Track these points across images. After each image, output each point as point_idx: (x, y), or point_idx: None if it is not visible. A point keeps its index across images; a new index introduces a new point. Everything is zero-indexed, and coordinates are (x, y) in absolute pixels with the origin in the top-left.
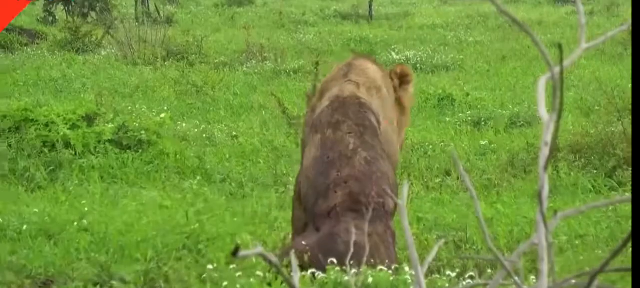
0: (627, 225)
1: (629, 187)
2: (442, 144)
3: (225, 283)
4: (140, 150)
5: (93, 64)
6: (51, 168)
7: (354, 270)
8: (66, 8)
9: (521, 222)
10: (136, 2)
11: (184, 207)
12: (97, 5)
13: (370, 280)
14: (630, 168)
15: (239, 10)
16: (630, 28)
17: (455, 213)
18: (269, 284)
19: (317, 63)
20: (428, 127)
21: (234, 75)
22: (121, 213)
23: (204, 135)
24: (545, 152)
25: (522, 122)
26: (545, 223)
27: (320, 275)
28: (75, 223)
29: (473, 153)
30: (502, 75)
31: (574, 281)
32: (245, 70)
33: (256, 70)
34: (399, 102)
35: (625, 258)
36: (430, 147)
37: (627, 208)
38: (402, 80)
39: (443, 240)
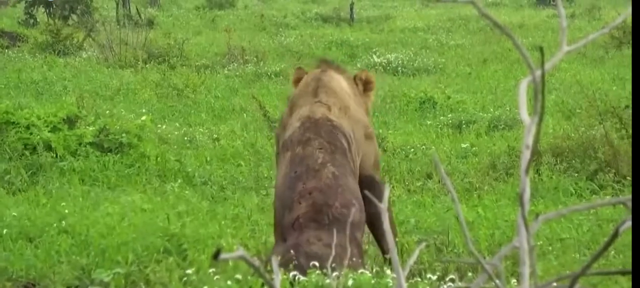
0: (608, 229)
1: (611, 190)
2: (424, 147)
3: (205, 287)
4: (121, 153)
5: (74, 66)
6: (32, 170)
7: (335, 273)
8: (47, 10)
9: (502, 225)
10: (117, 4)
11: (165, 209)
12: (78, 7)
13: (350, 282)
14: (612, 171)
15: (220, 13)
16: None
17: (436, 216)
18: (250, 287)
19: (298, 66)
20: (409, 130)
21: (215, 77)
22: (102, 216)
23: (185, 138)
24: (526, 155)
25: (503, 125)
26: (526, 227)
27: (300, 277)
28: (56, 226)
29: (454, 156)
30: (483, 78)
31: (555, 284)
32: (226, 73)
33: (237, 73)
34: (365, 107)
35: (607, 262)
36: (412, 150)
37: (608, 211)
38: (366, 86)
39: (424, 243)
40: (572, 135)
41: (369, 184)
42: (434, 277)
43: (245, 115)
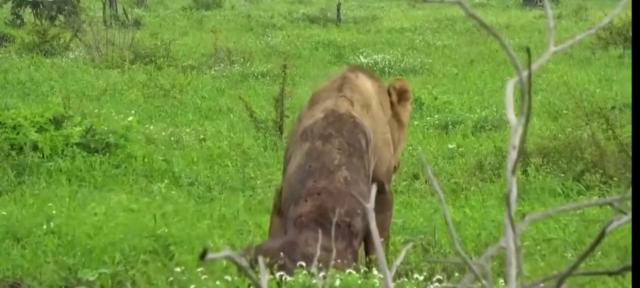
0: (595, 229)
1: (597, 191)
2: (410, 147)
3: (192, 287)
4: (108, 153)
5: (61, 66)
6: (18, 171)
7: (322, 273)
8: (34, 11)
9: (489, 226)
10: (104, 5)
11: (152, 210)
12: (65, 8)
13: (337, 283)
14: (598, 172)
15: (207, 13)
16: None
17: (423, 216)
18: (237, 287)
19: (284, 66)
20: None
21: (202, 78)
22: (89, 217)
23: (172, 138)
24: (513, 155)
25: (490, 126)
26: (513, 227)
27: (286, 277)
28: (43, 226)
29: (441, 157)
30: (470, 79)
31: (542, 285)
32: (213, 74)
33: (224, 74)
34: (396, 118)
35: (593, 262)
36: None
37: (595, 212)
38: (401, 96)
39: (411, 244)
40: (559, 136)
41: (377, 191)
42: (421, 278)
43: (232, 115)
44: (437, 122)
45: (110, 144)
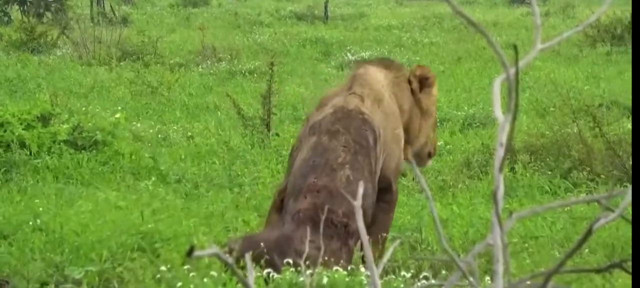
0: (582, 226)
1: (585, 188)
2: None
3: (179, 284)
4: (95, 151)
5: (48, 64)
6: (5, 168)
7: (309, 271)
8: (21, 8)
9: (476, 223)
10: (91, 2)
11: (139, 207)
12: (53, 5)
13: (325, 280)
14: (586, 169)
15: (194, 10)
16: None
17: (410, 214)
18: (224, 284)
19: (272, 64)
20: None
21: (189, 75)
22: (76, 214)
23: (159, 136)
24: (500, 152)
25: (477, 123)
26: (500, 224)
27: (274, 275)
28: (30, 223)
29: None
30: (457, 76)
31: (529, 282)
32: (200, 71)
33: (211, 71)
34: (418, 105)
35: (580, 259)
36: None
37: (582, 209)
38: (423, 83)
39: (398, 241)
40: (547, 133)
41: (383, 188)
42: (408, 275)
43: (219, 113)
44: None
45: (97, 141)
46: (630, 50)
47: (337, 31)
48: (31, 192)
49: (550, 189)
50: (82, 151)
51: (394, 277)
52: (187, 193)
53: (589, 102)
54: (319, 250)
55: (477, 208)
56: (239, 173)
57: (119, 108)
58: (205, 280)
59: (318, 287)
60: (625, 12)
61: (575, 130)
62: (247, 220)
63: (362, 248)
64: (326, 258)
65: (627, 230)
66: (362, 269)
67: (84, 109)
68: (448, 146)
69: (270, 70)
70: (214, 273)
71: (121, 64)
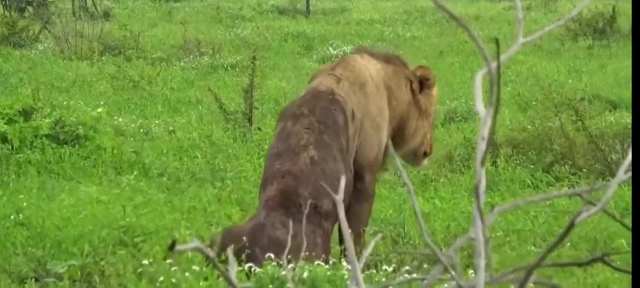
0: (564, 220)
1: (567, 182)
2: None
3: (161, 278)
4: (77, 145)
5: (30, 58)
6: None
7: (291, 265)
8: (3, 2)
9: (458, 217)
10: None
11: (121, 201)
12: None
13: (306, 274)
14: (568, 163)
15: (176, 5)
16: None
17: (393, 208)
18: (206, 279)
19: (254, 58)
20: None
21: (171, 70)
22: (58, 208)
23: (141, 130)
24: (482, 146)
25: (459, 117)
26: (482, 218)
27: (255, 269)
28: (12, 218)
29: None
30: (439, 70)
31: (511, 276)
32: (182, 65)
33: (193, 65)
34: (417, 105)
35: (561, 253)
36: None
37: (564, 202)
38: (423, 83)
39: (380, 235)
40: (528, 127)
41: (356, 176)
42: (390, 269)
43: (201, 107)
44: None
45: (79, 135)
46: (611, 45)
47: (319, 25)
48: (13, 186)
49: (532, 183)
50: (64, 145)
51: (375, 271)
52: (169, 187)
53: (571, 95)
54: (293, 235)
55: (459, 202)
56: (221, 167)
57: (101, 102)
58: (186, 274)
59: (300, 281)
60: (607, 6)
61: (557, 124)
62: (230, 214)
63: (341, 240)
64: (302, 242)
65: (609, 224)
66: (344, 263)
67: (65, 103)
68: None
69: (253, 65)
70: (196, 267)
71: (103, 58)
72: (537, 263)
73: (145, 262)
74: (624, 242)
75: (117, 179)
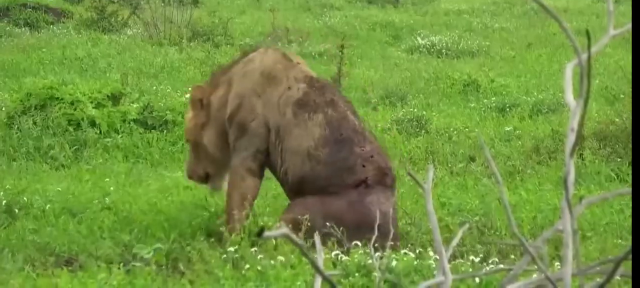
0: None
1: None
2: (467, 129)
3: (247, 265)
4: (165, 130)
5: (118, 43)
6: (76, 146)
7: (377, 253)
8: None
9: (545, 209)
10: None
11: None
12: None
13: (393, 263)
14: None
15: None
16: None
17: (479, 198)
18: (292, 267)
19: (342, 46)
20: (453, 113)
21: None
22: (145, 193)
23: None
24: (571, 138)
25: (546, 109)
26: (570, 210)
27: (343, 257)
28: (99, 202)
29: (498, 140)
30: (527, 62)
31: (598, 268)
32: None
33: None
34: None
35: None
36: (455, 132)
37: None
38: None
39: (467, 225)
40: (616, 120)
41: None
42: (477, 259)
43: None
44: (494, 104)
45: (167, 121)
46: None
47: (407, 15)
48: (100, 170)
49: (618, 176)
50: (152, 131)
51: (462, 261)
52: None
53: None
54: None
55: (546, 194)
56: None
57: (189, 88)
58: (272, 262)
59: (386, 270)
60: None
61: None
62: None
63: None
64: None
65: None
66: (431, 253)
67: (154, 88)
68: (517, 131)
69: (341, 53)
70: (281, 257)
71: (191, 44)
72: (624, 256)
73: (231, 248)
74: None
75: None
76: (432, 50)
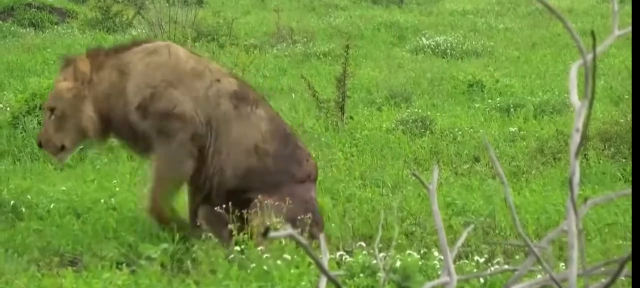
0: None
1: None
2: (471, 130)
3: (252, 265)
4: None
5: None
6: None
7: (382, 254)
8: None
9: (549, 209)
10: None
11: None
12: None
13: (398, 263)
14: None
15: None
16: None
17: (483, 199)
18: (297, 266)
19: (347, 47)
20: (457, 113)
21: (264, 57)
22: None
23: None
24: (576, 138)
25: (551, 110)
26: (575, 211)
27: (346, 257)
28: (104, 202)
29: (502, 140)
30: (531, 62)
31: (603, 268)
32: (275, 53)
33: (286, 53)
34: None
35: None
36: (460, 132)
37: None
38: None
39: (472, 226)
40: (620, 121)
41: None
42: (481, 260)
43: (293, 95)
44: (498, 105)
45: None
46: None
47: (412, 15)
48: (105, 171)
49: (623, 177)
50: None
51: (466, 261)
52: None
53: None
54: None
55: (550, 195)
56: (313, 155)
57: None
58: (278, 262)
59: (391, 270)
60: None
61: None
62: (321, 203)
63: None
64: None
65: None
66: (435, 253)
67: None
68: (522, 132)
69: (346, 53)
70: (287, 256)
71: (196, 44)
72: (629, 256)
73: (237, 248)
74: None
75: None
76: (437, 50)
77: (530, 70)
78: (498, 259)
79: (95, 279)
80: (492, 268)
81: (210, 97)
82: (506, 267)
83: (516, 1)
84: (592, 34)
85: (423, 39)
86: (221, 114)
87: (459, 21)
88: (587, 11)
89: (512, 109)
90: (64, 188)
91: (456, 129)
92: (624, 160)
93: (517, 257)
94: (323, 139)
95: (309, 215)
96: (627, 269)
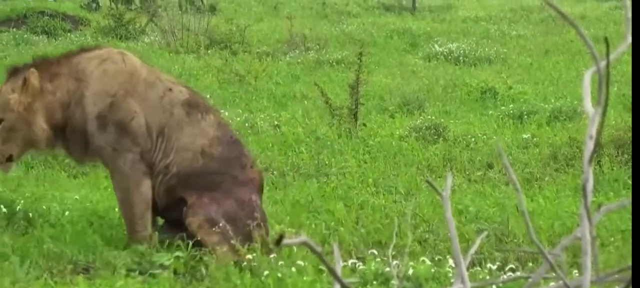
0: None
1: None
2: (484, 136)
3: (266, 272)
4: None
5: (136, 51)
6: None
7: (395, 261)
8: None
9: (563, 216)
10: None
11: None
12: None
13: (411, 271)
14: None
15: (282, 0)
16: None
17: (497, 206)
18: (308, 273)
19: (360, 54)
20: (470, 120)
21: (277, 64)
22: None
23: (247, 124)
24: (590, 145)
25: (564, 116)
26: (589, 217)
27: (360, 265)
28: (117, 210)
29: (515, 147)
30: (544, 69)
31: (616, 275)
32: (288, 60)
33: (299, 60)
34: None
35: None
36: (473, 139)
37: None
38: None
39: (485, 233)
40: None
41: None
42: (494, 267)
43: (306, 102)
44: (511, 111)
45: None
46: None
47: (425, 22)
48: None
49: None
50: None
51: (480, 268)
52: (273, 181)
53: None
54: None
55: (564, 202)
56: (326, 163)
57: (207, 96)
58: (292, 269)
59: (404, 278)
60: None
61: None
62: (333, 209)
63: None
64: None
65: None
66: (449, 261)
67: None
68: (535, 139)
69: (359, 60)
70: (300, 262)
71: (209, 52)
72: None
73: (250, 256)
74: None
75: None
76: (450, 57)
77: (543, 77)
78: (511, 266)
79: (108, 287)
80: (506, 276)
81: (165, 106)
82: (519, 274)
83: (529, 8)
84: (606, 40)
85: (436, 46)
86: (175, 122)
87: (472, 28)
88: (599, 18)
89: (525, 116)
90: (77, 196)
91: (469, 136)
92: None
93: (530, 264)
94: (336, 146)
95: (249, 216)
96: None
